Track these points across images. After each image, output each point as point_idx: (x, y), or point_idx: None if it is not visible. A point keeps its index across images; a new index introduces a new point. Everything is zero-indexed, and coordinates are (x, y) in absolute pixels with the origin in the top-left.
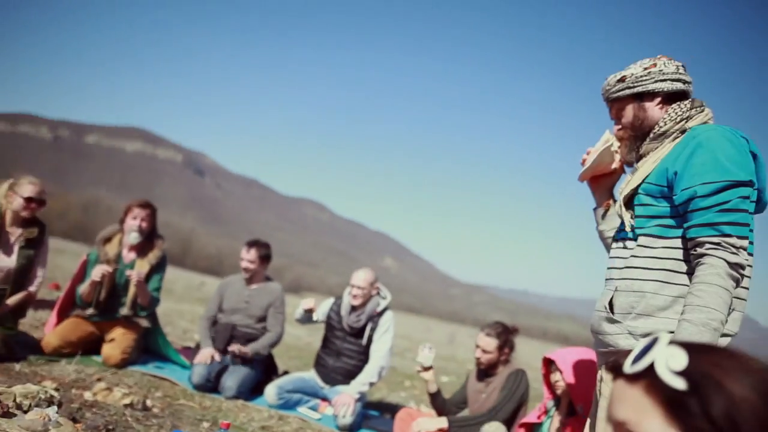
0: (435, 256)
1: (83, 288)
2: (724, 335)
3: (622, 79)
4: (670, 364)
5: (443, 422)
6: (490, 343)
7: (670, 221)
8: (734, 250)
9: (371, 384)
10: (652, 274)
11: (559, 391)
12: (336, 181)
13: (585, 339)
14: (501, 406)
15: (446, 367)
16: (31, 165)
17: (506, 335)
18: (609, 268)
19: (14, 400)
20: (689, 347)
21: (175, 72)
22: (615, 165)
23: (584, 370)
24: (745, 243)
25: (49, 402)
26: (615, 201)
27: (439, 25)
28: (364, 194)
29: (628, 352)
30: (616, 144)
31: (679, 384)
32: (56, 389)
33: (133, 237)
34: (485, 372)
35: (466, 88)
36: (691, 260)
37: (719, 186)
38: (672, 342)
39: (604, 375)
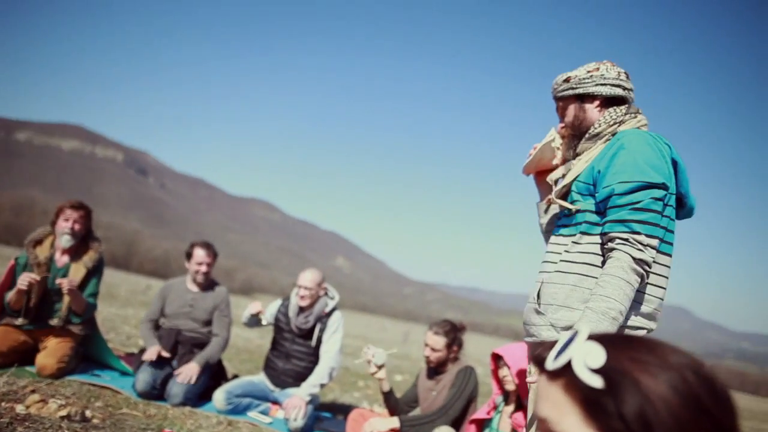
0: (387, 255)
1: (11, 296)
2: (639, 328)
3: (567, 80)
4: (588, 361)
5: (395, 422)
6: (439, 341)
7: (594, 218)
8: (641, 247)
9: (322, 385)
10: (575, 267)
11: (507, 386)
12: (286, 181)
13: None
14: (451, 404)
15: (400, 365)
16: None
17: (454, 333)
18: (543, 262)
19: None
20: (608, 342)
21: (115, 66)
22: (556, 161)
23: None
24: (653, 242)
25: None
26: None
27: (387, 22)
28: (315, 194)
29: (553, 344)
30: (558, 141)
31: (596, 382)
32: None
33: (65, 240)
34: (435, 370)
35: (414, 86)
36: (604, 253)
37: (634, 186)
38: (591, 337)
39: (531, 368)
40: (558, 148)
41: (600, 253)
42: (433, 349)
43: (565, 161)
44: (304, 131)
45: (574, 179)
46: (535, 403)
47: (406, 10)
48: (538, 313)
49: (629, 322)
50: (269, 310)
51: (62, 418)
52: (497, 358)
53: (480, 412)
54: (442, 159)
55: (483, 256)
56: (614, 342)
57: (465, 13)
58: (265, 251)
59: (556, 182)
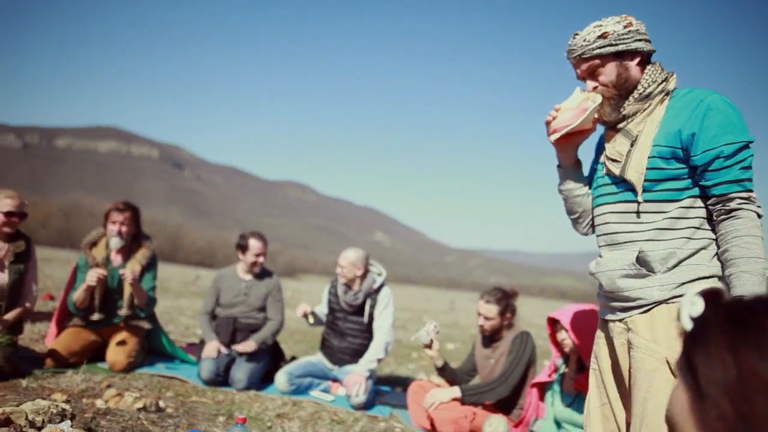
0: (426, 225)
1: (76, 294)
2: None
3: (603, 36)
4: (691, 310)
5: (456, 392)
6: (491, 309)
7: (680, 183)
8: (758, 205)
9: (379, 360)
10: (677, 232)
11: (566, 349)
12: (318, 161)
13: (582, 292)
14: (510, 370)
15: (450, 334)
16: (2, 175)
17: (506, 300)
18: (610, 233)
19: (26, 418)
20: (712, 297)
21: (144, 67)
22: (590, 124)
23: (589, 326)
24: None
25: (62, 416)
26: (610, 162)
27: (414, 6)
28: (348, 170)
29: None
30: (597, 103)
31: (688, 325)
32: (67, 401)
33: (114, 242)
34: (491, 338)
35: (444, 60)
36: (716, 215)
37: (739, 146)
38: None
39: (629, 323)
40: (596, 110)
41: (702, 216)
42: (487, 318)
43: (604, 123)
44: (332, 109)
45: (652, 146)
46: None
47: None
48: (641, 276)
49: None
50: (322, 299)
51: (139, 409)
52: (554, 322)
53: (541, 376)
54: (474, 125)
55: (522, 218)
56: (729, 311)
57: None
58: (303, 232)
59: (627, 154)
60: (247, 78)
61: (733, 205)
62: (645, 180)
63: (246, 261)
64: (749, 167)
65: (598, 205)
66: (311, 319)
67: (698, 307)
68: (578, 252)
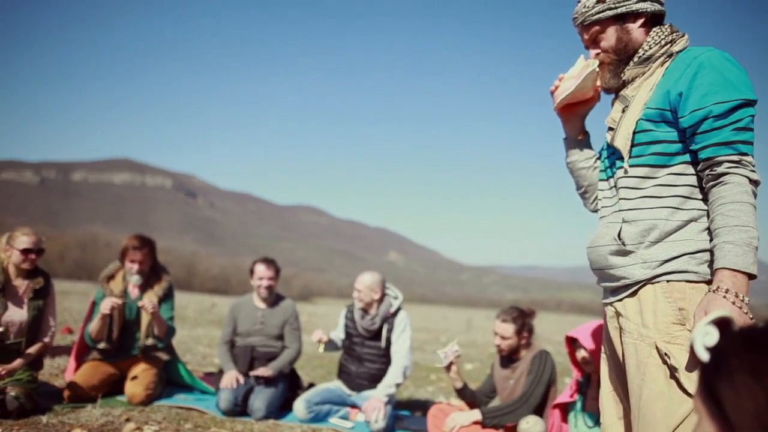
0: (439, 244)
1: (92, 326)
2: None
3: (601, 0)
4: (706, 340)
5: (477, 415)
6: (507, 329)
7: (670, 147)
8: (752, 168)
9: (398, 385)
10: (663, 201)
11: (587, 368)
12: (330, 184)
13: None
14: (531, 391)
15: (468, 353)
16: (20, 210)
17: (523, 319)
18: (605, 206)
19: None
20: (725, 327)
21: (154, 98)
22: (592, 92)
23: None
24: (754, 161)
25: None
26: (607, 132)
27: (423, 21)
28: (360, 192)
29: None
30: (594, 66)
31: (704, 357)
32: None
33: (135, 280)
34: (509, 358)
35: (453, 76)
36: (705, 181)
37: (733, 105)
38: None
39: (618, 308)
40: (598, 77)
41: (692, 183)
42: (503, 337)
43: (599, 90)
44: (343, 132)
45: (642, 109)
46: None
47: (431, 6)
48: (624, 253)
49: None
50: (338, 324)
51: None
52: (572, 341)
53: (563, 396)
54: (483, 141)
55: (536, 232)
56: (744, 336)
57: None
58: (318, 255)
59: (619, 120)
60: (256, 104)
61: (720, 169)
62: (633, 145)
63: (254, 285)
64: (746, 128)
65: (600, 180)
66: (322, 348)
67: (713, 336)
68: None
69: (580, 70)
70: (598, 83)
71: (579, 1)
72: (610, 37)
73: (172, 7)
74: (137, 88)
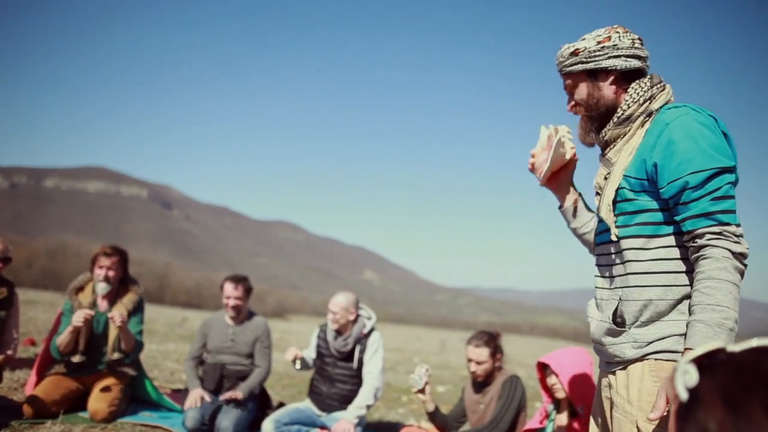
0: (416, 264)
1: (60, 338)
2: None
3: (575, 53)
4: (686, 380)
5: None
6: (482, 353)
7: (655, 216)
8: (735, 239)
9: (368, 406)
10: (655, 278)
11: (557, 394)
12: (308, 200)
13: (572, 329)
14: (501, 416)
15: (441, 375)
16: None
17: (494, 341)
18: (601, 276)
19: None
20: (705, 367)
21: (133, 106)
22: (568, 155)
23: (579, 370)
24: (742, 230)
25: None
26: (595, 197)
27: (402, 38)
28: (338, 210)
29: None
30: (563, 133)
31: (683, 395)
32: None
33: (101, 288)
34: (481, 382)
35: (432, 96)
36: (690, 253)
37: (708, 174)
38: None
39: (611, 380)
40: (566, 141)
41: (681, 256)
42: (479, 363)
43: (586, 145)
44: (321, 149)
45: (622, 177)
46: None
47: (412, 19)
48: (616, 333)
49: None
50: (311, 343)
51: None
52: (543, 367)
53: (532, 422)
54: (463, 163)
55: (512, 256)
56: (711, 366)
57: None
58: (293, 272)
59: (601, 188)
60: (237, 117)
61: (702, 241)
62: (616, 214)
63: (223, 303)
64: (725, 197)
65: (596, 244)
66: (298, 365)
67: (692, 377)
68: (570, 289)
69: (547, 139)
70: (571, 146)
71: (560, 48)
72: (581, 91)
73: (150, 14)
74: (115, 94)
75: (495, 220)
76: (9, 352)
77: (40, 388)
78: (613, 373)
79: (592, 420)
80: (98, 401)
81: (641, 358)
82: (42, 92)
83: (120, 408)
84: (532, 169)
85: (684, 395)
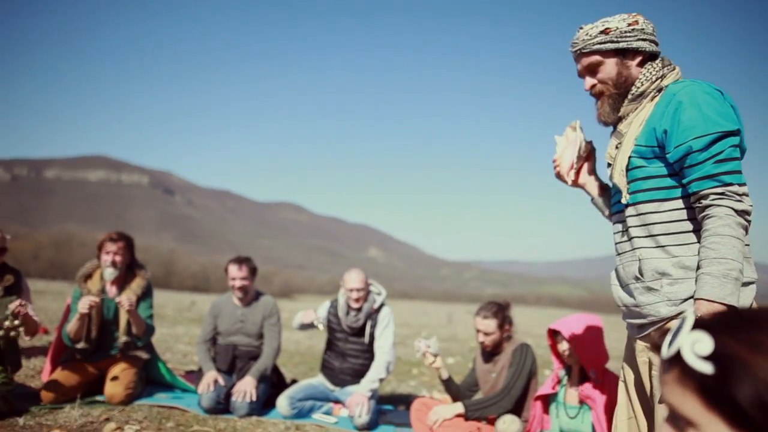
0: (420, 240)
1: (70, 326)
2: (749, 282)
3: (605, 31)
4: (696, 349)
5: (459, 408)
6: (490, 324)
7: (665, 181)
8: (738, 197)
9: (381, 380)
10: (673, 238)
11: (568, 360)
12: (309, 180)
13: (578, 299)
14: (512, 383)
15: (449, 348)
16: None
17: (502, 312)
18: (620, 241)
19: None
20: (717, 326)
21: (131, 94)
22: (584, 152)
23: (590, 336)
24: (746, 189)
25: None
26: (607, 168)
27: (404, 18)
28: (340, 188)
29: (666, 331)
30: (577, 132)
31: (707, 369)
32: None
33: (108, 273)
34: (491, 352)
35: (433, 73)
36: (697, 213)
37: (712, 138)
38: (701, 323)
39: (646, 343)
40: (581, 138)
41: (687, 217)
42: (486, 333)
43: (604, 124)
44: (321, 128)
45: (633, 144)
46: (660, 388)
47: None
48: (648, 290)
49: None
50: (319, 312)
51: None
52: (554, 333)
53: (544, 388)
54: (464, 136)
55: (516, 227)
56: (723, 325)
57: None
58: (298, 252)
59: (612, 158)
60: (235, 100)
61: (706, 202)
62: (629, 181)
63: (229, 286)
64: (728, 159)
65: (612, 213)
66: (321, 326)
67: (706, 344)
68: (574, 259)
69: (567, 138)
70: (587, 140)
71: (580, 28)
72: (610, 69)
73: (148, 3)
74: (113, 83)
75: (498, 193)
76: (28, 311)
77: (56, 374)
78: (649, 335)
79: (622, 390)
80: (114, 385)
81: (676, 316)
82: (39, 84)
83: (136, 391)
84: (559, 175)
85: (706, 366)
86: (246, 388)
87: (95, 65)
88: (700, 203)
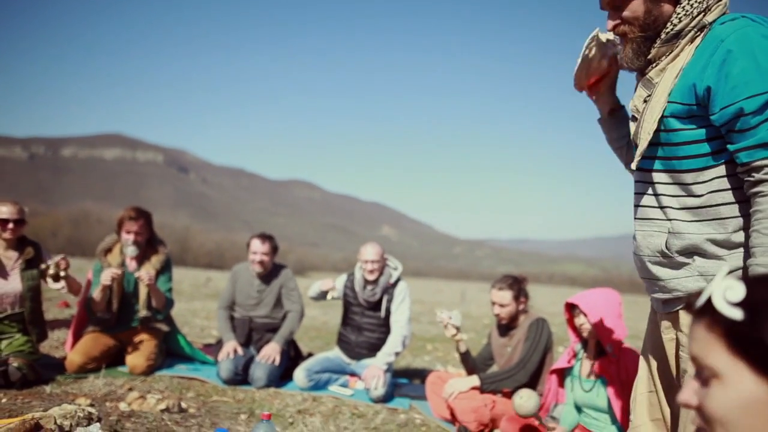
0: (433, 218)
1: (94, 296)
2: None
3: None
4: (728, 295)
5: (475, 381)
6: (505, 296)
7: (704, 147)
8: None
9: (397, 354)
10: (709, 212)
11: (585, 334)
12: (323, 158)
13: (591, 277)
14: (528, 357)
15: (463, 324)
16: (9, 187)
17: (518, 284)
18: (642, 206)
19: (55, 423)
20: (750, 278)
21: (146, 72)
22: (605, 63)
23: (608, 311)
24: None
25: (89, 419)
26: (631, 121)
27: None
28: (353, 166)
29: (700, 293)
30: (605, 36)
31: (736, 314)
32: (91, 405)
33: (130, 251)
34: (507, 326)
35: (447, 52)
36: (745, 187)
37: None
38: (730, 273)
39: (672, 321)
40: (609, 41)
41: (730, 186)
42: (502, 305)
43: (616, 59)
44: (335, 106)
45: (666, 101)
46: (688, 344)
47: None
48: (676, 265)
49: None
50: (337, 284)
51: (162, 411)
52: (571, 308)
53: (560, 362)
54: (477, 115)
55: (529, 206)
56: (756, 278)
57: None
58: (311, 230)
59: (638, 111)
60: (249, 78)
61: (759, 176)
62: (660, 144)
63: (250, 260)
64: None
65: (633, 169)
66: (336, 294)
67: (737, 290)
68: (587, 237)
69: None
70: (612, 52)
71: None
72: (636, 6)
73: None
74: (128, 61)
75: (511, 171)
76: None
77: (80, 345)
78: (675, 312)
79: (643, 364)
80: (136, 356)
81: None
82: (56, 64)
83: (157, 362)
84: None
85: (736, 312)
86: (271, 353)
87: (111, 44)
88: (751, 176)
